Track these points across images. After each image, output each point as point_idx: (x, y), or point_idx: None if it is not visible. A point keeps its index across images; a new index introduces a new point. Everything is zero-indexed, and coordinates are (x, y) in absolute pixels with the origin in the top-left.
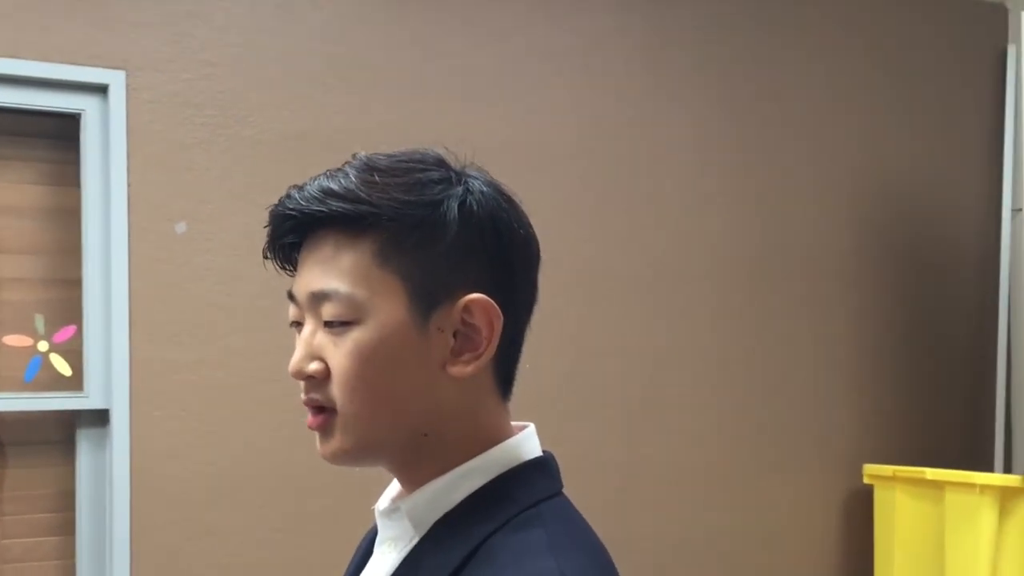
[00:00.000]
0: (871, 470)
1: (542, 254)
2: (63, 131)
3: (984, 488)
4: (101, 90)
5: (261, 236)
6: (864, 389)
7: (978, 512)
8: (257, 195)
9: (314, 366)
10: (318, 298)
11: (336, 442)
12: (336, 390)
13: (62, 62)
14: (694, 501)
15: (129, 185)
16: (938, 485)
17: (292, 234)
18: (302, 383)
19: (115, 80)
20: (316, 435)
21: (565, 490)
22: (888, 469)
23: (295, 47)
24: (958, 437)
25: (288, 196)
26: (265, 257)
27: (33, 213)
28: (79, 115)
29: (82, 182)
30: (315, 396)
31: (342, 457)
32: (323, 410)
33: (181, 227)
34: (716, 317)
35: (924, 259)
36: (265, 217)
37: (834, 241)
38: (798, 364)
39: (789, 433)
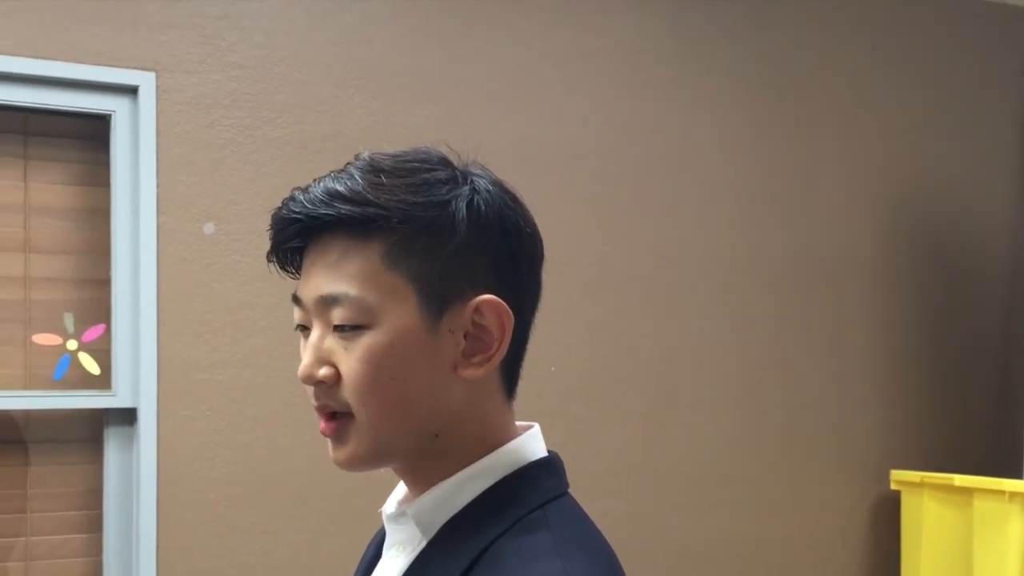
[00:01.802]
0: (898, 476)
1: (564, 257)
2: (93, 132)
3: (1013, 495)
4: (131, 91)
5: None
6: (891, 394)
7: (1007, 519)
8: (285, 196)
9: (324, 371)
10: (327, 302)
11: (351, 448)
12: (349, 395)
13: (93, 63)
14: (717, 506)
15: (158, 186)
16: (966, 492)
17: (298, 238)
18: (311, 389)
19: (145, 81)
20: (328, 441)
21: (585, 493)
22: (916, 475)
23: (323, 50)
24: (987, 443)
25: (292, 199)
26: (268, 260)
27: (63, 213)
28: (109, 116)
29: (112, 183)
30: (327, 401)
31: (357, 463)
32: (335, 416)
33: (209, 228)
34: (740, 320)
35: (951, 262)
36: None
37: (860, 244)
38: (824, 368)
39: (815, 438)
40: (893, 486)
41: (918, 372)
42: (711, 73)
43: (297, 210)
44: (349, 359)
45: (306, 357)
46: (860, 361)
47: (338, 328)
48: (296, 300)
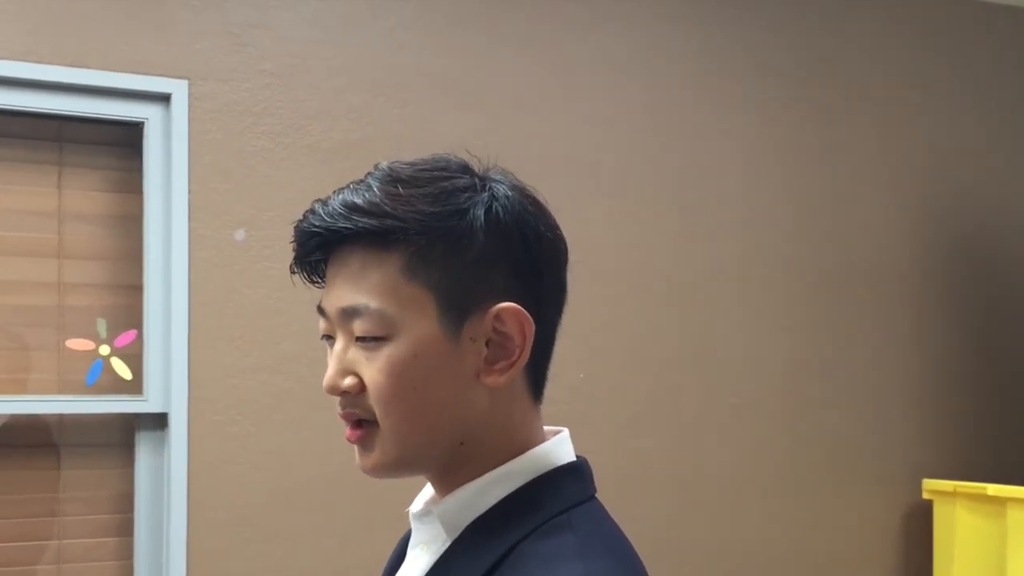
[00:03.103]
0: (931, 485)
1: (595, 264)
2: (127, 139)
3: None
4: (164, 99)
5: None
6: (925, 402)
7: None
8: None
9: (348, 381)
10: (348, 314)
11: (377, 455)
12: (373, 404)
13: (126, 72)
14: (748, 515)
15: (190, 192)
16: (1000, 501)
17: (319, 251)
18: (337, 398)
19: (178, 89)
20: (355, 448)
21: (617, 500)
22: (948, 484)
23: (354, 58)
24: (1021, 452)
25: (312, 212)
26: (292, 272)
27: (97, 219)
28: (142, 124)
29: (144, 189)
30: (352, 410)
31: (382, 470)
32: (361, 424)
33: (240, 234)
34: (774, 328)
35: (988, 270)
36: None
37: (896, 251)
38: (857, 375)
39: (847, 446)
40: (925, 495)
41: (951, 381)
42: (739, 82)
43: (316, 223)
44: (371, 370)
45: (330, 368)
46: (893, 369)
47: (360, 339)
48: (320, 311)
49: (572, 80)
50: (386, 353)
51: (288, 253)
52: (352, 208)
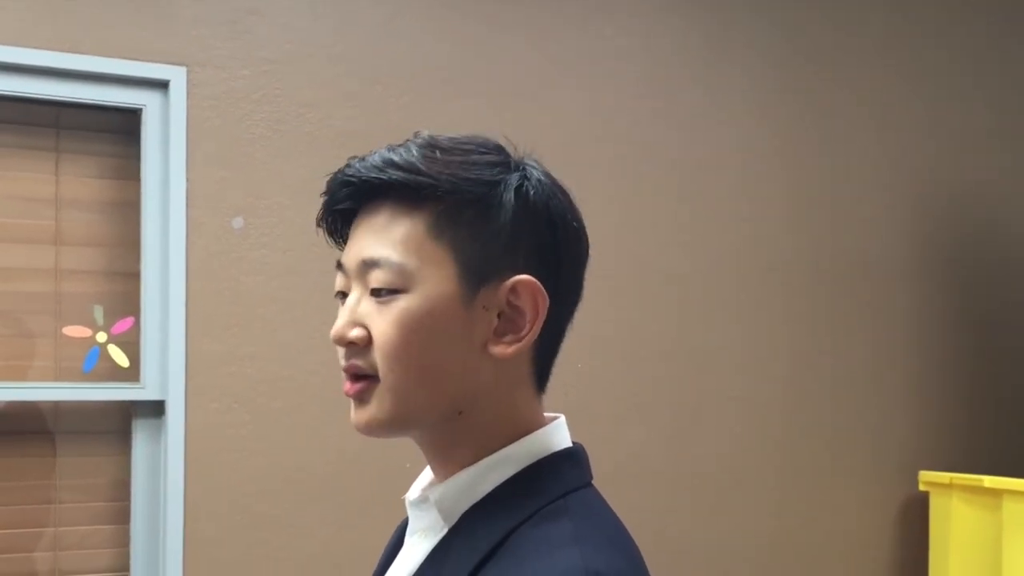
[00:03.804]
0: (927, 477)
1: (592, 255)
2: (124, 126)
3: None
4: (162, 86)
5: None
6: (921, 394)
7: None
8: (313, 191)
9: (356, 332)
10: (368, 265)
11: (372, 410)
12: (378, 358)
13: (124, 58)
14: (744, 506)
15: (188, 180)
16: (996, 493)
17: (349, 200)
18: (342, 350)
19: (176, 76)
20: (352, 406)
21: (612, 491)
22: (945, 476)
23: (353, 45)
24: (1017, 444)
25: (348, 165)
26: (318, 225)
27: (94, 206)
28: (140, 110)
29: (142, 176)
30: (356, 362)
31: (376, 427)
32: (360, 378)
33: (238, 222)
34: (772, 320)
35: (986, 264)
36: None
37: (894, 245)
38: (854, 368)
39: (844, 438)
40: (921, 487)
41: (950, 373)
42: (740, 73)
43: (351, 174)
44: (382, 322)
45: (340, 318)
46: (891, 362)
47: (375, 292)
48: (339, 266)
49: (572, 69)
50: (400, 306)
51: (287, 241)
52: (388, 163)
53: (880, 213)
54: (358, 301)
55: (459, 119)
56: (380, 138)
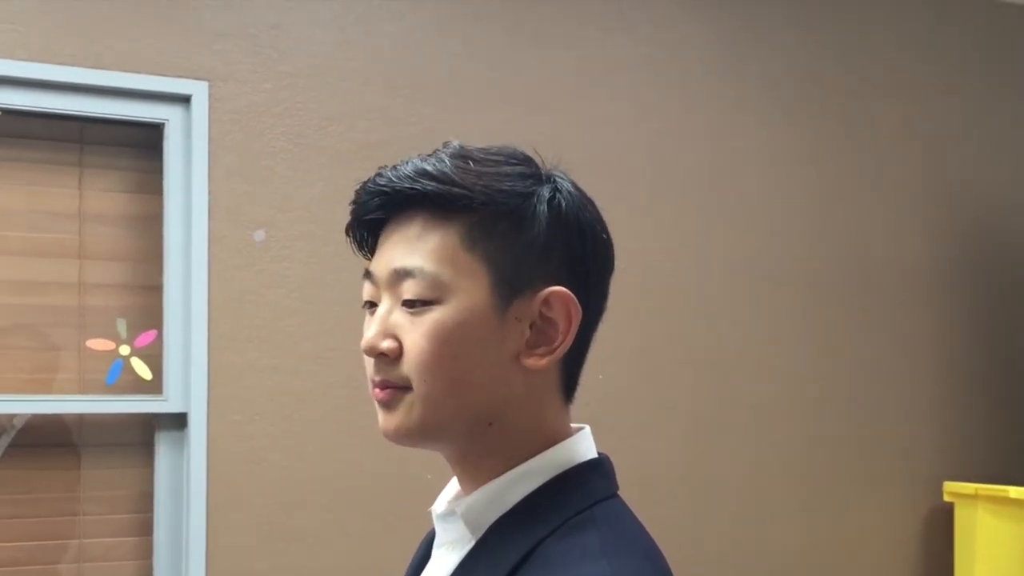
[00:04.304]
0: (952, 488)
1: (617, 264)
2: (147, 140)
3: None
4: (184, 100)
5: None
6: (946, 404)
7: None
8: (334, 204)
9: (388, 344)
10: (400, 275)
11: (400, 417)
12: (410, 370)
13: (147, 73)
14: (767, 516)
15: (210, 193)
16: (1021, 504)
17: (380, 210)
18: (371, 362)
19: (198, 91)
20: (379, 412)
21: (635, 499)
22: (970, 487)
23: (373, 58)
24: None
25: (380, 174)
26: (346, 234)
27: (117, 220)
28: (163, 125)
29: (164, 190)
30: (386, 377)
31: (405, 435)
32: (390, 387)
33: (260, 235)
34: (794, 329)
35: (1006, 272)
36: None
37: (917, 254)
38: (879, 377)
39: (868, 448)
40: (947, 498)
41: (975, 383)
42: (759, 82)
43: (383, 183)
44: (414, 333)
45: (372, 329)
46: (916, 372)
47: (408, 303)
48: (367, 275)
49: (594, 79)
50: (433, 318)
51: (308, 254)
52: (421, 173)
53: (908, 222)
54: (389, 311)
55: (481, 131)
56: (401, 150)
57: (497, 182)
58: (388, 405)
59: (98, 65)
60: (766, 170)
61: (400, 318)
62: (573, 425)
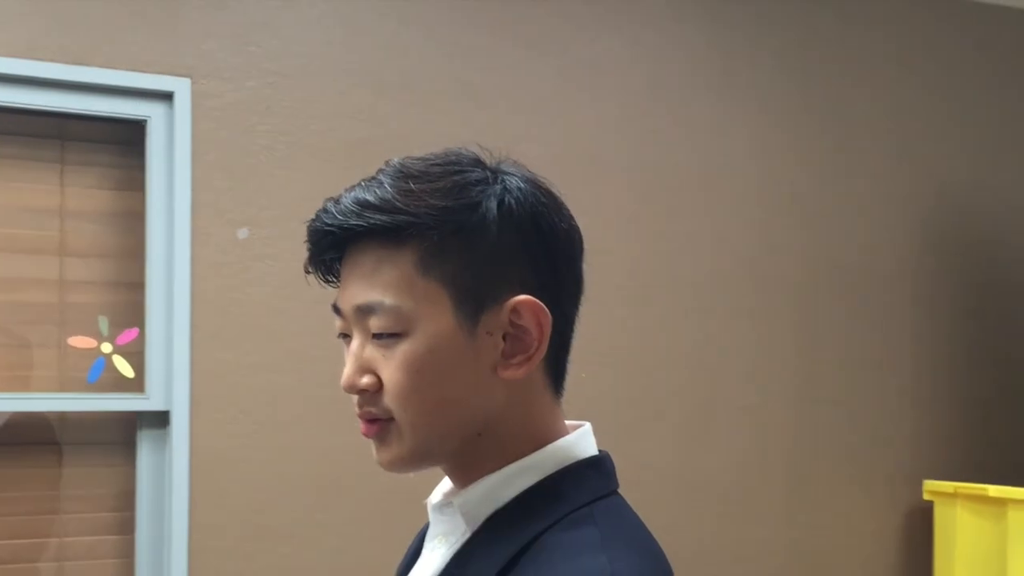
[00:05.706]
0: (931, 486)
1: (599, 263)
2: (129, 137)
3: None
4: (167, 97)
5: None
6: (925, 404)
7: None
8: (318, 202)
9: (366, 380)
10: (363, 311)
11: (394, 450)
12: (391, 401)
13: (129, 69)
14: (749, 516)
15: (192, 191)
16: (1000, 503)
17: (332, 250)
18: (354, 396)
19: (180, 88)
20: (372, 444)
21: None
22: (949, 486)
23: (358, 57)
24: (1021, 454)
25: (325, 211)
26: (307, 272)
27: (99, 217)
28: (145, 122)
29: (147, 187)
30: (369, 409)
31: (399, 464)
32: (377, 420)
33: (243, 233)
34: (775, 330)
35: (988, 273)
36: None
37: (895, 254)
38: (858, 378)
39: (848, 448)
40: (926, 496)
41: (954, 383)
42: (752, 82)
43: (329, 222)
44: (389, 368)
45: (348, 366)
46: (895, 371)
47: (376, 336)
48: (336, 309)
49: (579, 81)
50: (403, 349)
51: (292, 251)
52: (364, 205)
53: (890, 224)
54: (362, 347)
55: (464, 131)
56: (385, 150)
57: (442, 199)
58: (380, 439)
59: (80, 61)
60: (757, 170)
61: (373, 352)
62: (574, 422)
